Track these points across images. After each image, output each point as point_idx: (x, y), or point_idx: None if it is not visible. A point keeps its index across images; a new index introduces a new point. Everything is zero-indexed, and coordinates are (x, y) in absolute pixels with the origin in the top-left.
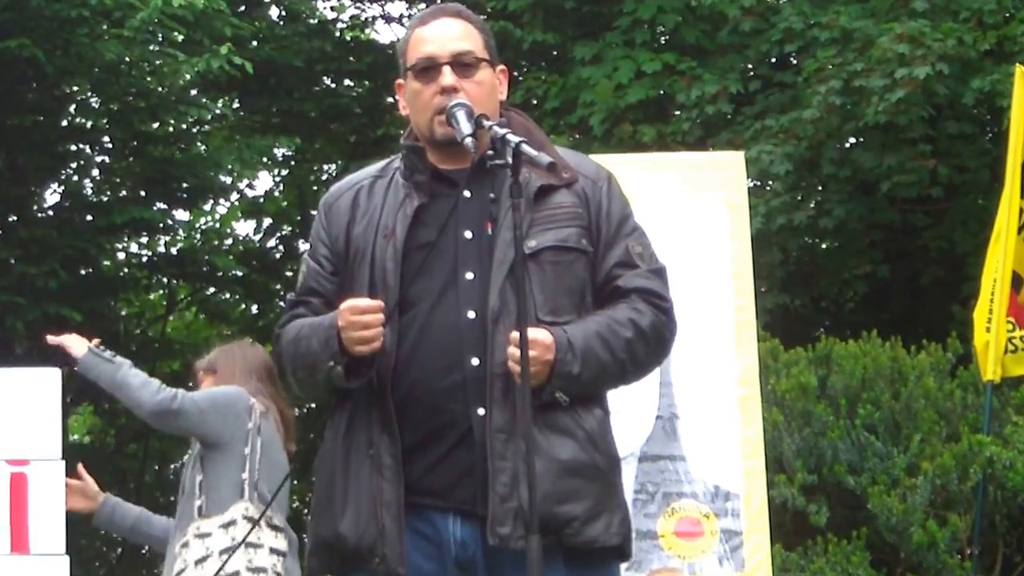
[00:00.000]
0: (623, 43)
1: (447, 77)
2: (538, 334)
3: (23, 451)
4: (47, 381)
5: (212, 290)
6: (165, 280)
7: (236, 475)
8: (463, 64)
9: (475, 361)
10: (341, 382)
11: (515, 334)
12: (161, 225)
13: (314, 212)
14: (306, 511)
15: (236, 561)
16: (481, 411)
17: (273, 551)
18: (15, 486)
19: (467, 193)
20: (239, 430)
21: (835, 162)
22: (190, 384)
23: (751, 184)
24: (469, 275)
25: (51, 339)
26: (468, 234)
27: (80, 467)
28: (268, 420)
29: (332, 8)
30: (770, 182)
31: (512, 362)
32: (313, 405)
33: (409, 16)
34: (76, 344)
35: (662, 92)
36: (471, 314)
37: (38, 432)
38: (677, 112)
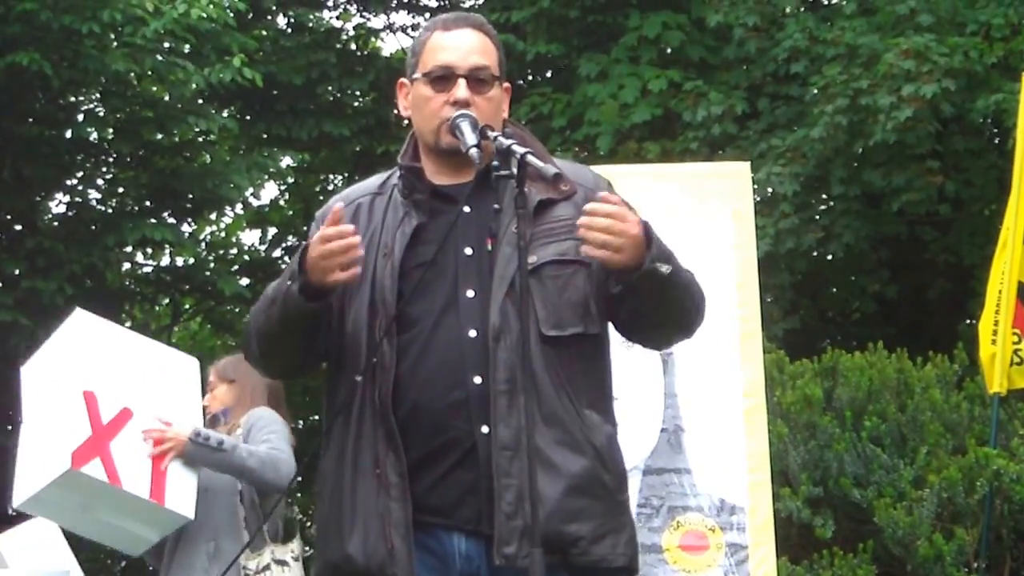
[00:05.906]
0: (628, 59)
1: (461, 90)
2: (609, 206)
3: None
4: (187, 368)
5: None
6: (170, 292)
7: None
8: (479, 80)
9: (477, 379)
10: (298, 302)
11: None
12: (168, 240)
13: None
14: (309, 523)
15: None
16: (485, 429)
17: None
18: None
19: (467, 209)
20: None
21: (843, 181)
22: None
23: (758, 200)
24: (470, 293)
25: (154, 452)
26: (468, 251)
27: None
28: None
29: (338, 17)
30: (779, 204)
31: (590, 245)
32: (316, 416)
33: (413, 27)
34: (176, 444)
35: (668, 109)
36: (472, 332)
37: (181, 410)
38: (683, 132)
